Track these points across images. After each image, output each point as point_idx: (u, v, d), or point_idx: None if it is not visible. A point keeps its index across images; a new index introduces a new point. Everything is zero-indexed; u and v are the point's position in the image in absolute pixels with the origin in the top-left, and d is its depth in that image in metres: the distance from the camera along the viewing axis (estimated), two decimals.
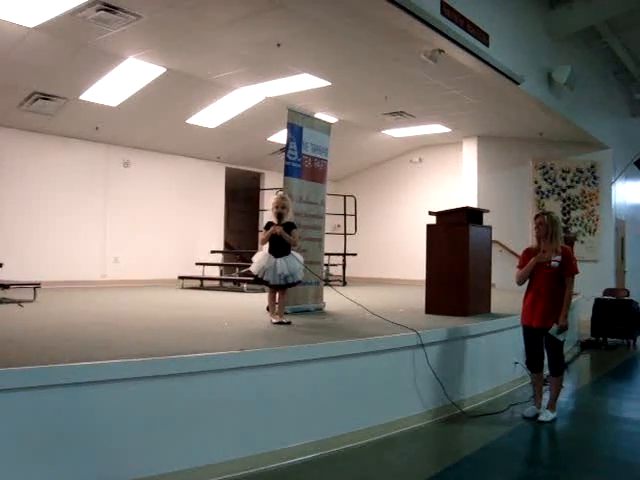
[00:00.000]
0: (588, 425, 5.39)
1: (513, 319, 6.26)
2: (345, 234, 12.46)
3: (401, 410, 4.89)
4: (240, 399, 3.89)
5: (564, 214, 12.57)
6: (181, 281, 11.01)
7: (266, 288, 6.03)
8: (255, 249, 8.30)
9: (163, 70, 8.77)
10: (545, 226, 5.15)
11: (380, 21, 6.88)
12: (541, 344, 5.22)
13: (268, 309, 5.85)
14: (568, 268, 5.10)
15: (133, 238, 11.37)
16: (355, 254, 12.84)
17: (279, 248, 5.53)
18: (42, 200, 10.17)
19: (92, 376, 3.32)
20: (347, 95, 10.24)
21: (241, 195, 15.41)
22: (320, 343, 4.48)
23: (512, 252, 11.48)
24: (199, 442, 3.67)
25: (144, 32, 7.45)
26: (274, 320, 5.59)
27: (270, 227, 5.56)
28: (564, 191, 12.77)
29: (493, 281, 7.42)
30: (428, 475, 3.93)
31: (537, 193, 12.78)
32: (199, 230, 12.69)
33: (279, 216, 5.60)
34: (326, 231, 7.47)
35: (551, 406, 5.21)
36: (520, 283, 5.33)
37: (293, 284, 5.71)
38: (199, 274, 11.53)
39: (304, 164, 6.83)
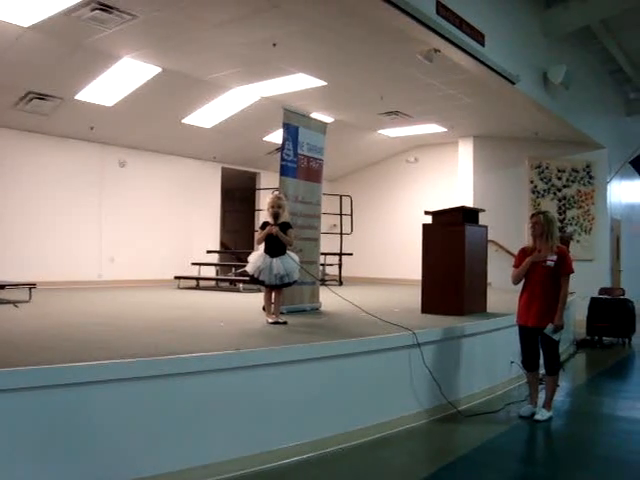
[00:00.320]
0: (584, 424, 5.40)
1: (509, 318, 6.26)
2: (341, 234, 12.47)
3: (397, 409, 4.89)
4: (236, 399, 3.89)
5: (560, 213, 12.60)
6: (177, 281, 11.00)
7: (262, 288, 6.03)
8: (251, 249, 8.28)
9: (159, 70, 8.76)
10: (541, 225, 5.16)
11: (376, 21, 6.88)
12: (537, 343, 5.23)
13: (264, 309, 5.85)
14: (563, 267, 5.11)
15: (129, 238, 11.35)
16: (351, 254, 12.84)
17: (275, 248, 5.53)
18: (37, 200, 10.14)
19: (88, 376, 3.31)
20: (343, 95, 10.24)
21: (237, 195, 15.39)
22: (316, 343, 4.48)
23: (508, 251, 11.50)
24: (195, 442, 3.67)
25: (139, 32, 7.43)
26: (270, 320, 5.59)
27: (266, 227, 5.56)
28: (560, 190, 12.80)
29: (489, 280, 7.44)
30: (424, 474, 3.93)
31: (533, 192, 12.81)
32: (195, 230, 12.67)
33: (275, 216, 5.59)
34: (322, 231, 7.47)
35: (547, 405, 5.21)
36: (516, 282, 5.34)
37: (289, 284, 5.71)
38: (195, 274, 11.51)
39: (300, 164, 6.83)
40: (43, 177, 10.22)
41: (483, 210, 7.52)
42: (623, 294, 10.26)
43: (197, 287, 11.13)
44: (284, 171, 6.63)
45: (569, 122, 10.78)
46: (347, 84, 9.64)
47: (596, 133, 12.15)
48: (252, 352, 4.05)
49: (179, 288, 10.74)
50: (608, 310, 9.51)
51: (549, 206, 12.23)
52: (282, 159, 6.63)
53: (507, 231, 11.87)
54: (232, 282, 11.33)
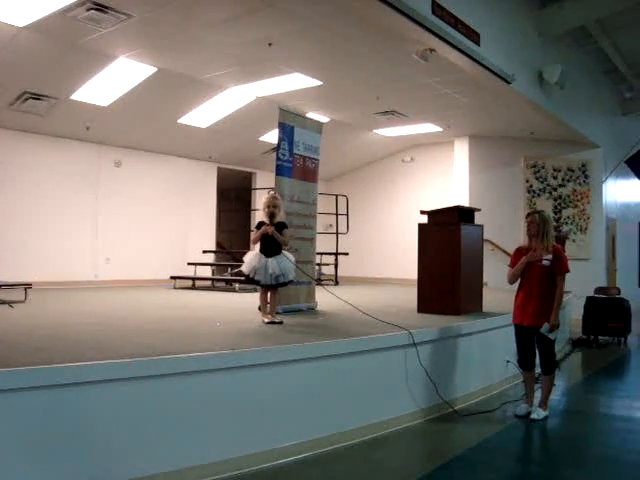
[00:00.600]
0: (580, 423, 5.41)
1: (505, 318, 6.27)
2: (337, 233, 12.47)
3: (393, 409, 4.89)
4: (232, 399, 3.88)
5: (555, 213, 12.63)
6: (173, 281, 10.99)
7: (258, 288, 6.02)
8: (247, 249, 8.27)
9: (154, 70, 8.74)
10: (536, 225, 5.17)
11: (372, 20, 6.88)
12: (533, 343, 5.23)
13: (260, 309, 5.85)
14: (559, 267, 5.12)
15: (125, 238, 11.33)
16: (347, 253, 12.84)
17: (270, 248, 5.53)
18: (33, 200, 10.11)
19: (85, 376, 3.31)
20: (339, 94, 10.24)
21: (233, 195, 15.39)
22: (312, 343, 4.48)
23: (504, 251, 11.52)
24: (191, 442, 3.66)
25: (135, 32, 7.41)
26: (266, 320, 5.58)
27: (262, 227, 5.56)
28: (555, 190, 12.82)
29: (485, 280, 7.44)
30: (420, 474, 3.94)
31: (528, 192, 12.83)
32: (191, 230, 12.66)
33: (271, 216, 5.59)
34: (318, 230, 7.48)
35: (543, 404, 5.22)
36: (512, 282, 5.34)
37: (284, 284, 5.71)
38: (191, 274, 11.51)
39: (295, 163, 6.83)
40: (39, 177, 10.20)
41: (479, 209, 7.53)
42: (619, 293, 10.28)
43: (193, 287, 11.12)
44: (280, 171, 6.63)
45: (564, 121, 10.80)
46: (343, 84, 9.64)
47: (591, 132, 12.17)
48: (248, 352, 4.05)
49: (175, 288, 10.73)
50: (604, 309, 9.53)
51: (545, 205, 12.27)
52: (278, 159, 6.63)
53: (503, 230, 11.90)
54: (228, 282, 11.33)
